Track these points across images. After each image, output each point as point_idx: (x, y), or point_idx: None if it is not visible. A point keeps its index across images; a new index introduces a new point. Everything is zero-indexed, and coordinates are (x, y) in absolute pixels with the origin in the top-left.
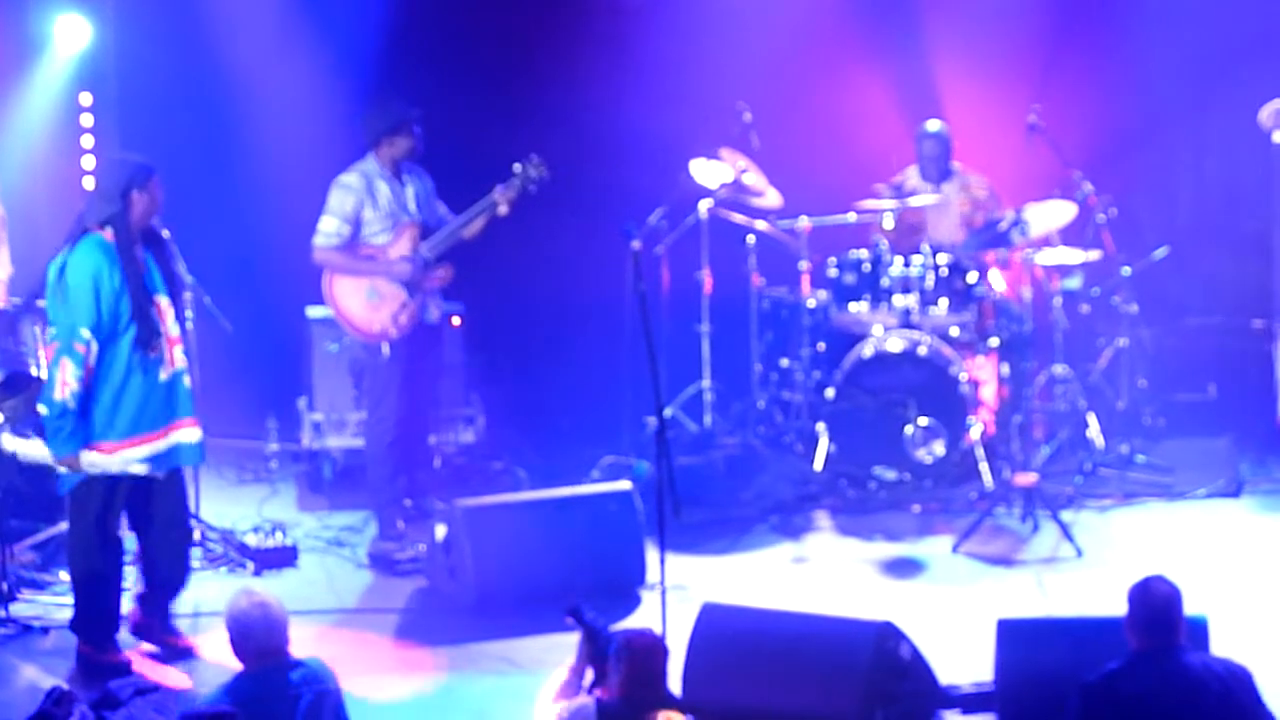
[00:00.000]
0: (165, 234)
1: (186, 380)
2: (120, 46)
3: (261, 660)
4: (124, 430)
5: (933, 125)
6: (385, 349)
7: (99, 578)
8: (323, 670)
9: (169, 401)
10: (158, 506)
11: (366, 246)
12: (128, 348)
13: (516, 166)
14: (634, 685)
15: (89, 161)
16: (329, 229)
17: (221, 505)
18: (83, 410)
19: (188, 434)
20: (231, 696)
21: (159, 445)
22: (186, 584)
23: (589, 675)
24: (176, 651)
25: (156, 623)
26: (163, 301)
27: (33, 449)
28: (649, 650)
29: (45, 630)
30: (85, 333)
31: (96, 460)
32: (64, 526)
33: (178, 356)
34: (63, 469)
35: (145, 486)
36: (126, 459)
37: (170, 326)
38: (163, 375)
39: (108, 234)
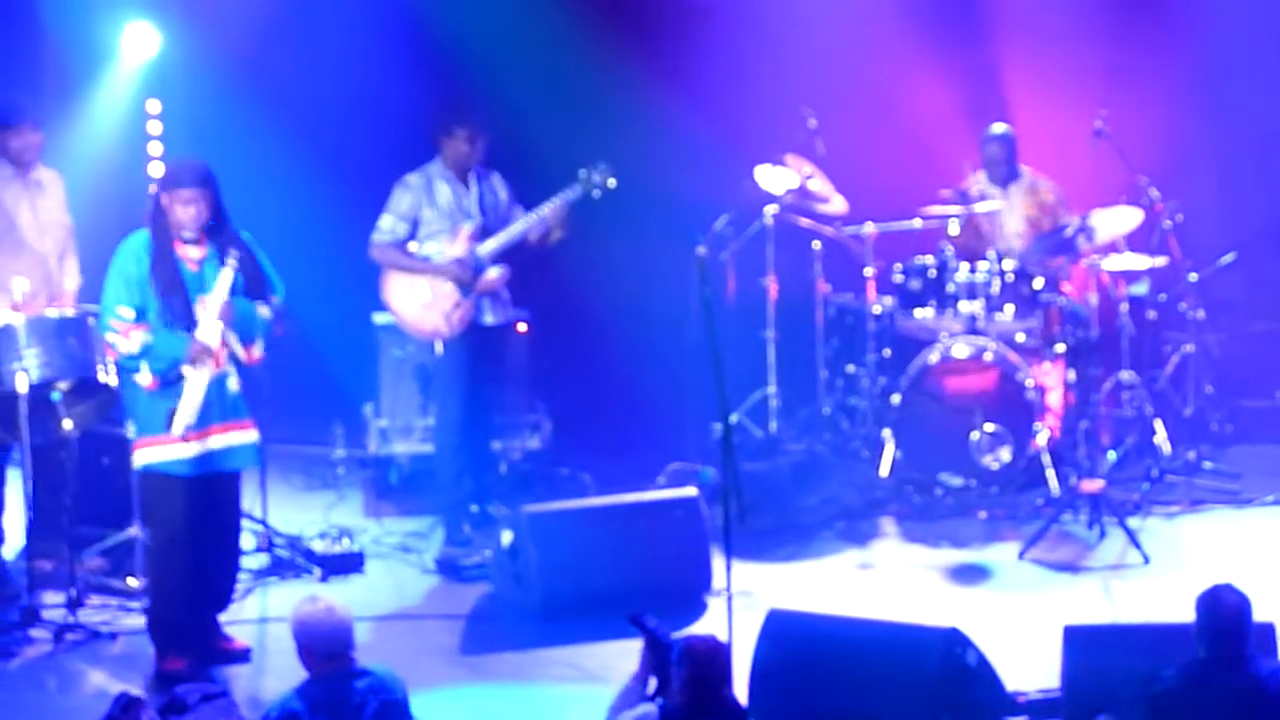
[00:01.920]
0: (245, 236)
1: (232, 383)
2: (188, 54)
3: (327, 666)
4: (165, 428)
5: (997, 128)
6: (439, 347)
7: (157, 581)
8: (390, 678)
9: (220, 403)
10: (209, 514)
11: (424, 245)
12: None
13: (581, 172)
14: (696, 691)
15: (156, 169)
16: (385, 226)
17: (288, 511)
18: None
19: (228, 438)
20: (299, 704)
21: (196, 448)
22: (231, 598)
23: (652, 683)
24: (231, 655)
25: (203, 632)
26: (208, 303)
27: (189, 394)
28: (711, 656)
29: (114, 636)
30: (124, 310)
31: (150, 455)
32: (132, 532)
33: (221, 358)
34: (192, 366)
35: (201, 491)
36: (168, 455)
37: (210, 329)
38: (208, 375)
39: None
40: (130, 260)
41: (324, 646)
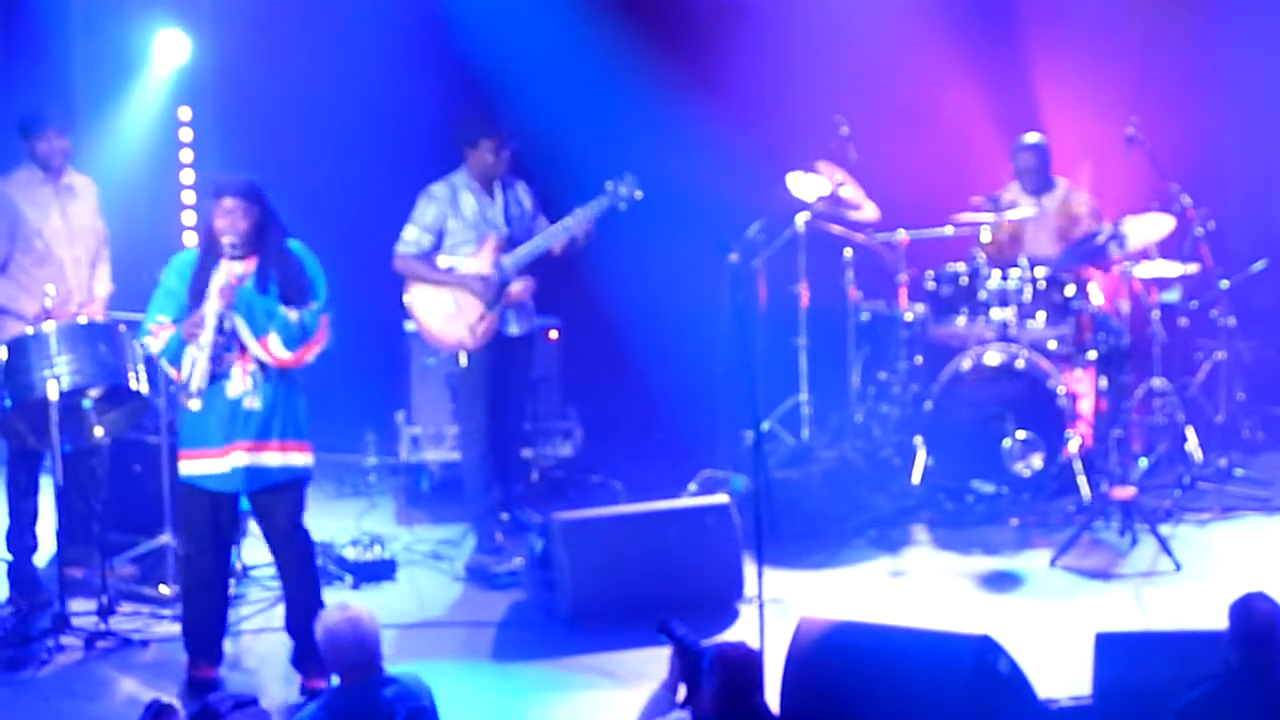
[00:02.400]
0: (294, 245)
1: (249, 402)
2: (219, 61)
3: (354, 675)
4: (188, 440)
5: (1030, 138)
6: (463, 359)
7: (185, 590)
8: (418, 686)
9: (233, 420)
10: (265, 528)
11: (449, 257)
12: None
13: (608, 184)
14: (728, 699)
15: (188, 176)
16: (409, 237)
17: (320, 519)
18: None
19: (257, 458)
20: (326, 713)
21: (220, 464)
22: (312, 607)
23: (682, 690)
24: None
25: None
26: (236, 319)
27: (199, 359)
28: (743, 664)
29: (145, 643)
30: (162, 317)
31: (186, 466)
32: (163, 539)
33: (247, 372)
34: (189, 341)
35: (229, 507)
36: (193, 470)
37: (240, 335)
38: (229, 390)
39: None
40: (174, 274)
41: (349, 656)
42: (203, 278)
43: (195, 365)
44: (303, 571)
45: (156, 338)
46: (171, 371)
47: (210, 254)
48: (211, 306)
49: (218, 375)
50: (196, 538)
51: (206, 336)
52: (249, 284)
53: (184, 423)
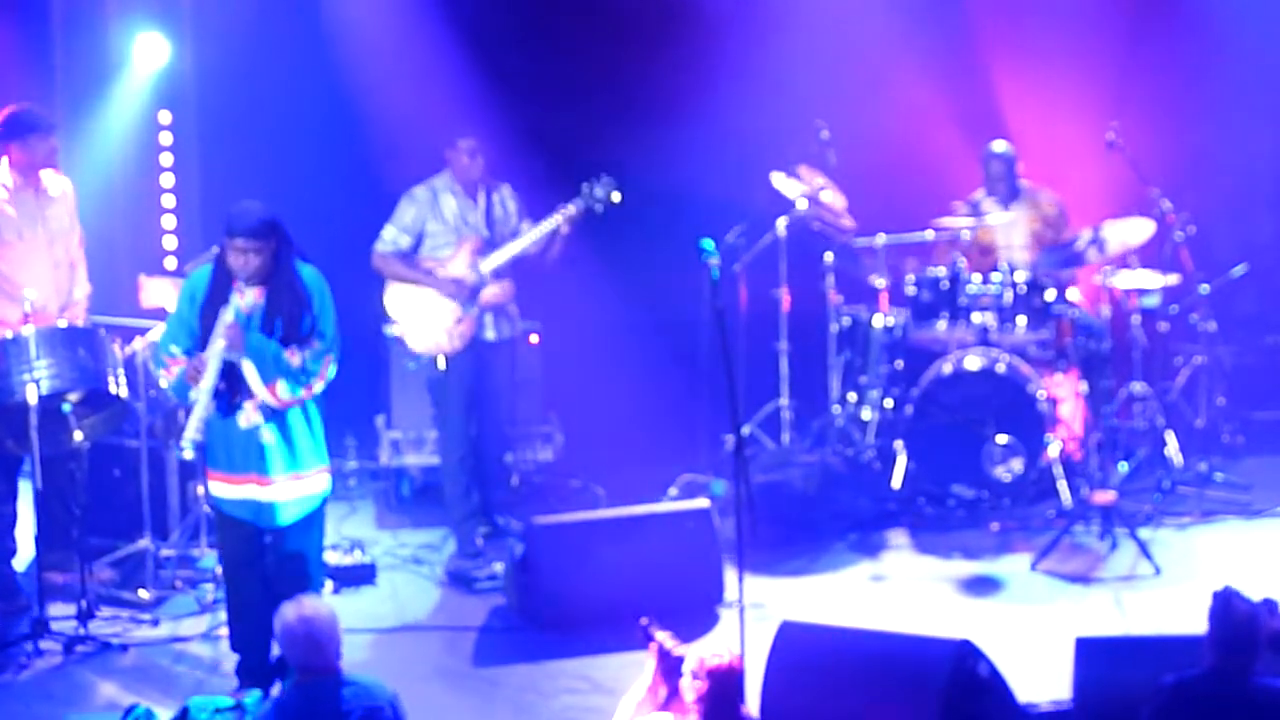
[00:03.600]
0: (308, 276)
1: (265, 435)
2: (199, 64)
3: (309, 674)
4: (213, 460)
5: (998, 146)
6: (441, 362)
7: (228, 609)
8: (376, 688)
9: (246, 451)
10: (272, 561)
11: (429, 259)
12: None
13: (584, 186)
14: (711, 706)
15: (168, 180)
16: (387, 236)
17: None
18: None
19: (270, 492)
20: (278, 710)
21: (238, 492)
22: None
23: (662, 693)
24: None
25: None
26: (245, 363)
27: (201, 393)
28: (726, 670)
29: (124, 648)
30: (173, 349)
31: (210, 486)
32: (143, 544)
33: (251, 410)
34: (192, 383)
35: (246, 534)
36: (215, 491)
37: (248, 379)
38: (241, 423)
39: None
40: (186, 299)
41: (302, 654)
42: (213, 308)
43: (192, 411)
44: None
45: (169, 372)
46: (181, 414)
47: (222, 285)
48: (215, 349)
49: (232, 410)
50: (228, 556)
51: (207, 382)
52: (257, 316)
53: (210, 443)
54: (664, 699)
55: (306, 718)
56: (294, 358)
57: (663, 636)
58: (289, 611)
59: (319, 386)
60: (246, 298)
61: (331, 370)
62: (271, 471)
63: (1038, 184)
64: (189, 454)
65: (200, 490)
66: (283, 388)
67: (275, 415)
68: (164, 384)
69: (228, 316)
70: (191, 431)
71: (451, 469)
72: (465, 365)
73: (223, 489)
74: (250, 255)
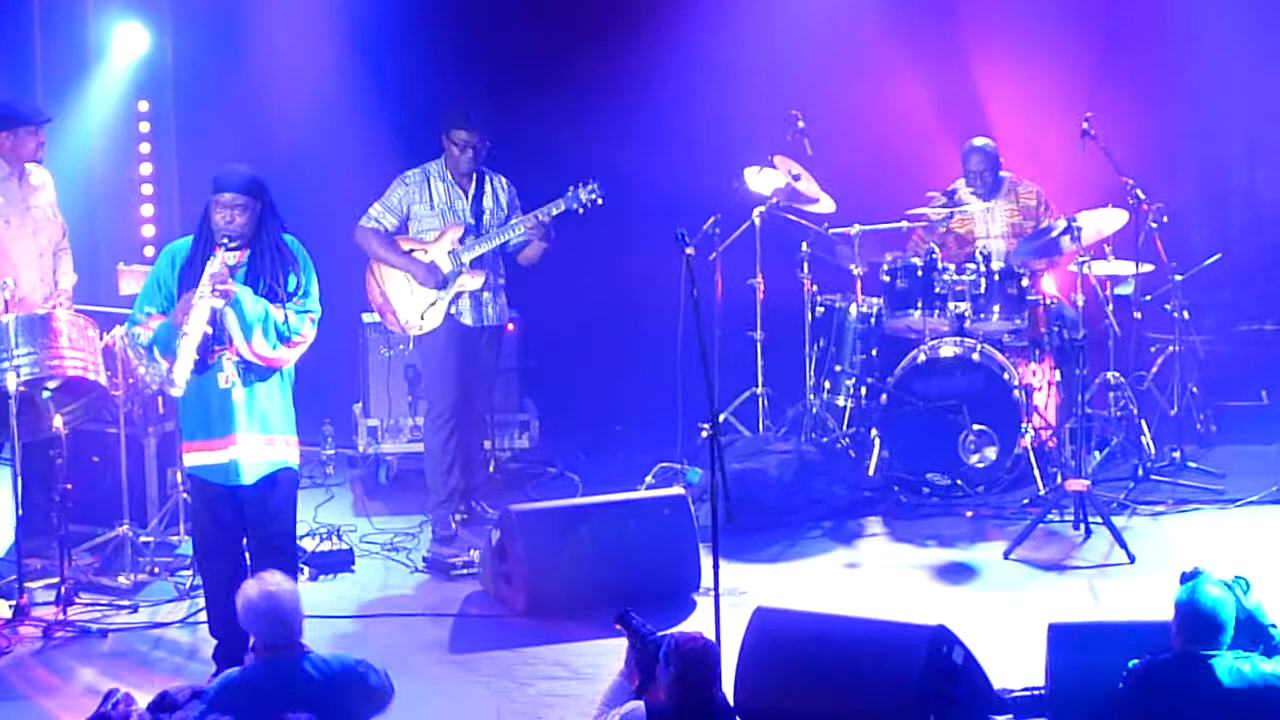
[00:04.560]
0: (290, 242)
1: (236, 394)
2: (178, 54)
3: (271, 650)
4: (188, 432)
5: (978, 141)
6: (414, 335)
7: (205, 592)
8: (337, 660)
9: (222, 413)
10: (252, 527)
11: (412, 241)
12: None
13: (570, 189)
14: (684, 690)
15: (146, 168)
16: (372, 213)
17: None
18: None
19: (243, 452)
20: (241, 685)
21: (219, 456)
22: None
23: (636, 680)
24: None
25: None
26: (227, 311)
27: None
28: (700, 654)
29: (103, 634)
30: (148, 309)
31: (187, 459)
32: (121, 531)
33: (229, 367)
34: (179, 328)
35: (243, 501)
36: (190, 462)
37: (229, 329)
38: (221, 382)
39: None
40: (165, 263)
41: (262, 631)
42: (195, 269)
43: (180, 352)
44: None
45: (146, 328)
46: (163, 363)
47: (205, 244)
48: (203, 293)
49: (208, 366)
50: (202, 538)
51: (195, 324)
52: (240, 275)
53: (184, 414)
54: (637, 686)
55: (269, 692)
56: (277, 312)
57: (636, 624)
58: (251, 588)
59: (300, 348)
60: (230, 259)
61: (312, 332)
62: (238, 429)
63: (1020, 175)
64: (178, 391)
65: (179, 477)
66: (260, 339)
67: (251, 377)
68: (144, 339)
69: (214, 267)
70: (182, 368)
71: (435, 449)
72: (448, 347)
73: (199, 457)
74: (236, 212)
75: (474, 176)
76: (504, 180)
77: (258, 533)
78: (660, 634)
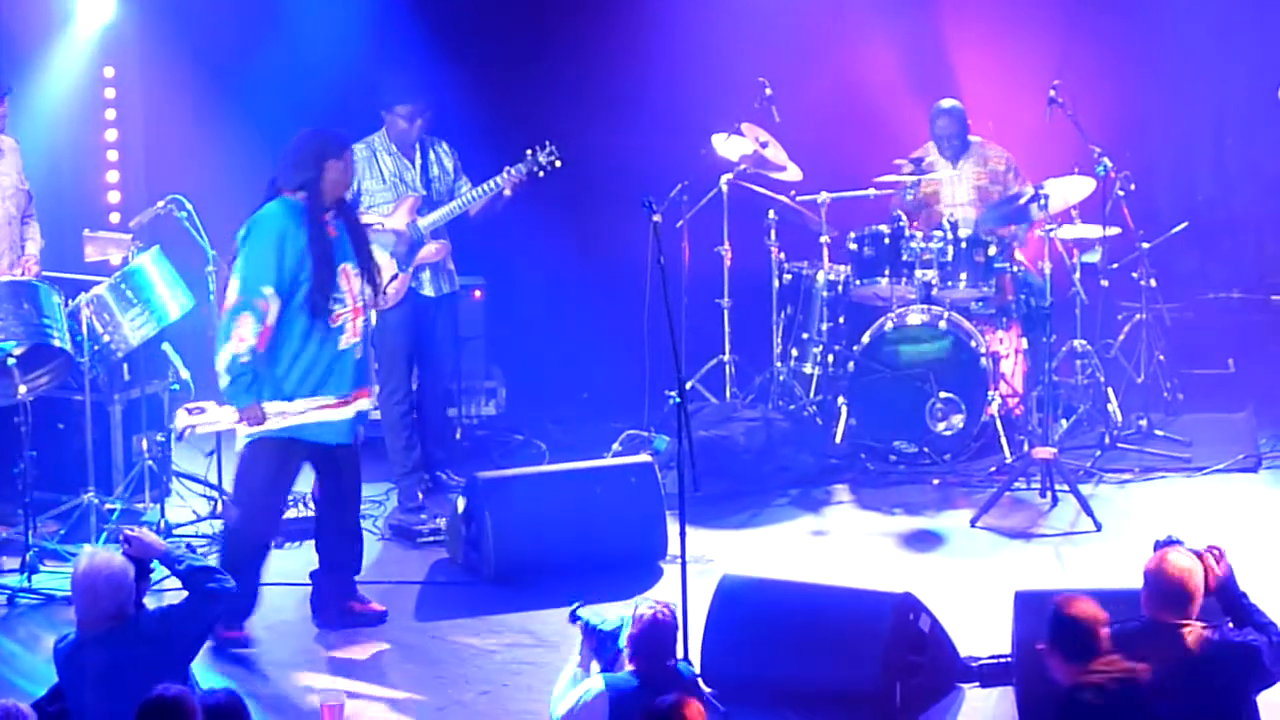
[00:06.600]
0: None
1: (359, 352)
2: (143, 20)
3: (84, 626)
4: (308, 390)
5: (946, 103)
6: (373, 317)
7: (244, 544)
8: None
9: (348, 370)
10: (336, 483)
11: (368, 216)
12: (304, 312)
13: (528, 152)
14: (643, 658)
15: (111, 134)
16: None
17: None
18: (259, 364)
19: (365, 403)
20: (60, 656)
21: (344, 413)
22: (360, 565)
23: (595, 668)
24: (366, 617)
25: (335, 598)
26: (350, 270)
27: (211, 418)
28: (656, 620)
29: (69, 601)
30: (267, 290)
31: (286, 409)
32: (86, 498)
33: (358, 326)
34: (246, 426)
35: (326, 461)
36: (311, 418)
37: (355, 297)
38: (342, 343)
39: (300, 197)
40: (282, 234)
41: (84, 604)
42: (321, 234)
43: (210, 423)
44: (360, 530)
45: (242, 340)
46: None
47: (320, 207)
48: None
49: (334, 329)
50: (261, 496)
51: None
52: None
53: (291, 373)
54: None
55: (85, 666)
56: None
57: (588, 613)
58: (81, 562)
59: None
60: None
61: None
62: (360, 386)
63: (989, 140)
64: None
65: (144, 444)
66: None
67: (366, 337)
68: (244, 337)
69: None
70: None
71: (393, 424)
72: (407, 320)
73: (325, 414)
74: (352, 170)
75: (417, 146)
76: (445, 145)
77: (348, 488)
78: (613, 621)
